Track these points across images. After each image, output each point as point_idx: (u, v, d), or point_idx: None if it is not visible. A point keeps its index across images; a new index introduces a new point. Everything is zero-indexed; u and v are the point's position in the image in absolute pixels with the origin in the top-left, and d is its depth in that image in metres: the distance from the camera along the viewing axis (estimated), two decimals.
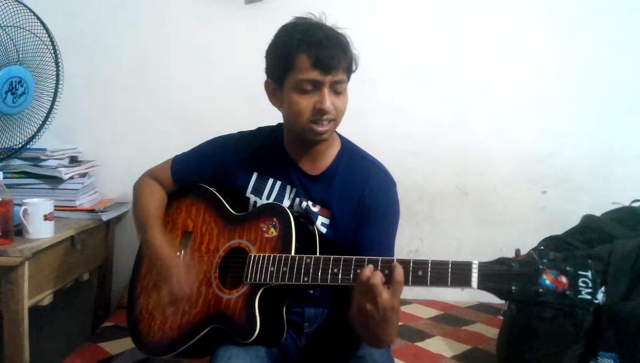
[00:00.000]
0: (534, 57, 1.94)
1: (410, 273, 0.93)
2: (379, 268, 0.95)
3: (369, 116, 1.91)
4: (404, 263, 0.94)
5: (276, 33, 1.16)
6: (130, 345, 1.27)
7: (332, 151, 1.22)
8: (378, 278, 0.92)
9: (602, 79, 1.93)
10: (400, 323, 1.68)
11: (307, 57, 1.07)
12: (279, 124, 1.27)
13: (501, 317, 1.50)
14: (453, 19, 1.93)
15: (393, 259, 0.95)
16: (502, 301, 1.51)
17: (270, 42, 1.16)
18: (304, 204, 1.19)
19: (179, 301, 1.16)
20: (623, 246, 1.27)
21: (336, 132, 1.24)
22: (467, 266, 0.88)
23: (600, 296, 0.79)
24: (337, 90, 1.11)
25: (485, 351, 1.53)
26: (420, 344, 1.57)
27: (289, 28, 1.13)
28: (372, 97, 1.92)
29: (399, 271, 0.92)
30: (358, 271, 0.97)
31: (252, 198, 1.23)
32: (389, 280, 0.93)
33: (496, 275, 0.85)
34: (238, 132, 1.32)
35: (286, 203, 1.21)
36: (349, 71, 1.14)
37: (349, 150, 1.24)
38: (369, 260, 0.98)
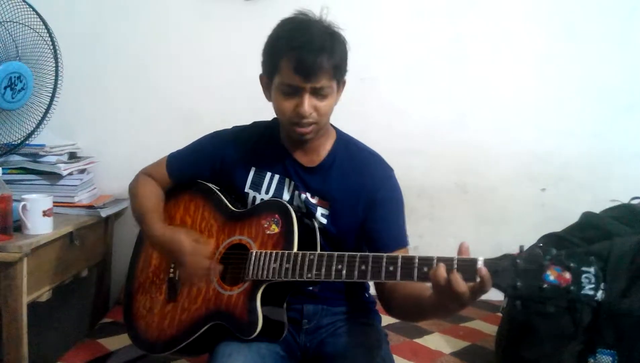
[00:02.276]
0: (534, 56, 1.94)
1: (416, 270, 0.92)
2: (455, 268, 0.88)
3: (369, 115, 1.91)
4: (409, 259, 0.94)
5: (273, 29, 1.15)
6: (129, 341, 1.27)
7: (328, 143, 1.23)
8: (464, 286, 0.85)
9: (602, 77, 1.93)
10: (397, 320, 1.70)
11: (288, 62, 1.07)
12: (275, 119, 1.27)
13: (500, 314, 1.50)
14: (453, 18, 1.93)
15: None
16: (501, 298, 1.52)
17: (267, 37, 1.16)
18: (303, 196, 1.19)
19: (204, 275, 1.15)
20: (622, 244, 1.27)
21: (332, 125, 1.24)
22: (472, 262, 0.88)
23: (599, 294, 0.80)
24: (320, 94, 1.10)
25: (484, 348, 1.54)
26: (418, 340, 1.58)
27: (279, 28, 1.13)
28: (372, 96, 1.92)
29: (488, 283, 0.85)
30: (362, 267, 0.97)
31: (251, 193, 1.23)
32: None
33: (501, 271, 0.85)
34: (233, 128, 1.31)
35: (286, 196, 1.21)
36: (336, 74, 1.12)
37: (344, 141, 1.25)
38: (377, 257, 0.97)
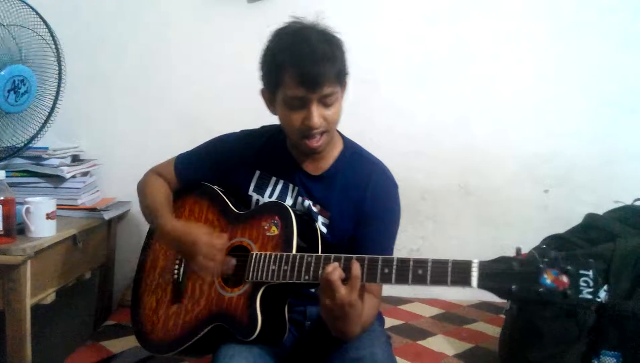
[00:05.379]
0: (536, 57, 1.93)
1: (410, 272, 0.92)
2: (342, 266, 0.97)
3: (370, 116, 1.91)
4: (404, 261, 0.93)
5: (266, 42, 1.14)
6: (132, 344, 1.28)
7: (335, 152, 1.23)
8: (336, 274, 0.94)
9: (604, 78, 1.92)
10: (401, 322, 1.69)
11: (291, 75, 1.06)
12: None
13: (503, 316, 1.50)
14: (454, 19, 1.93)
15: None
16: (505, 300, 1.52)
17: (262, 50, 1.15)
18: (306, 203, 1.19)
19: (217, 265, 1.11)
20: (625, 245, 1.26)
21: (339, 132, 1.24)
22: (467, 265, 0.87)
23: (602, 295, 0.79)
24: (327, 103, 1.10)
25: (488, 350, 1.53)
26: (422, 343, 1.57)
27: (276, 40, 1.12)
28: (373, 98, 1.92)
29: (355, 267, 0.94)
30: None
31: (255, 196, 1.24)
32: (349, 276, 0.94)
33: (496, 274, 0.84)
34: (241, 131, 1.32)
35: (289, 201, 1.21)
36: (340, 79, 1.12)
37: (351, 150, 1.24)
38: (372, 259, 0.97)
